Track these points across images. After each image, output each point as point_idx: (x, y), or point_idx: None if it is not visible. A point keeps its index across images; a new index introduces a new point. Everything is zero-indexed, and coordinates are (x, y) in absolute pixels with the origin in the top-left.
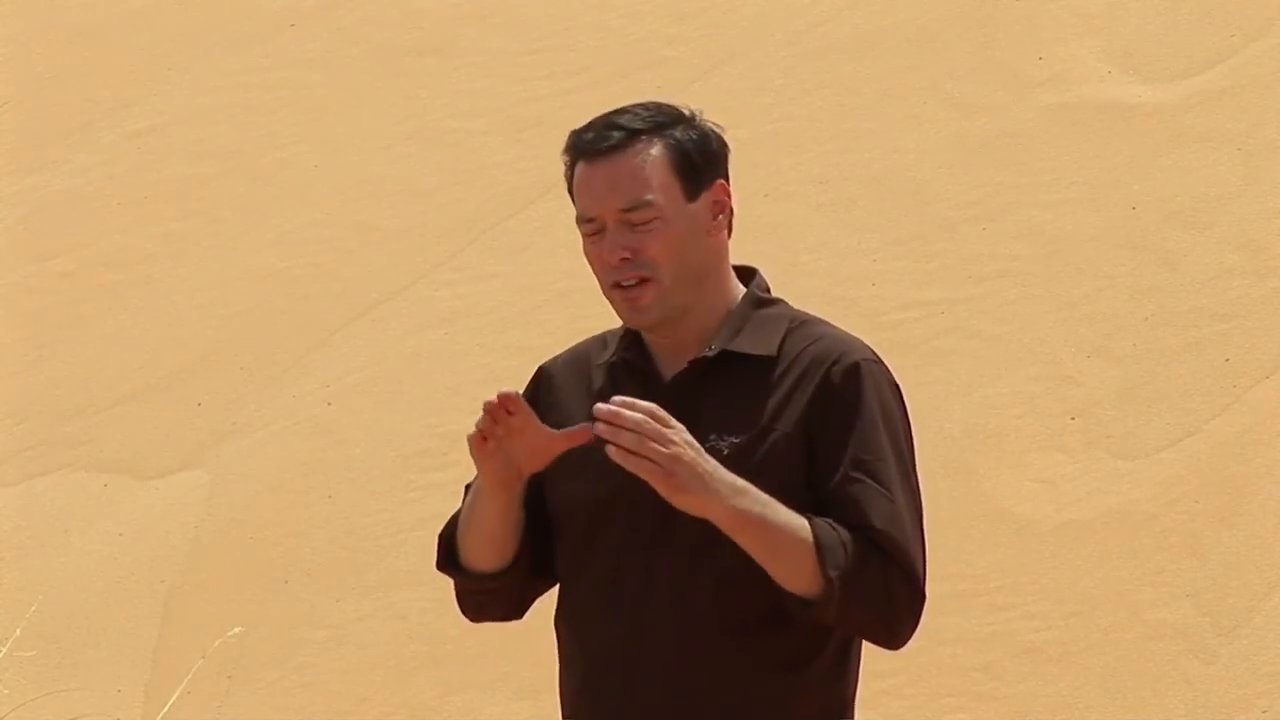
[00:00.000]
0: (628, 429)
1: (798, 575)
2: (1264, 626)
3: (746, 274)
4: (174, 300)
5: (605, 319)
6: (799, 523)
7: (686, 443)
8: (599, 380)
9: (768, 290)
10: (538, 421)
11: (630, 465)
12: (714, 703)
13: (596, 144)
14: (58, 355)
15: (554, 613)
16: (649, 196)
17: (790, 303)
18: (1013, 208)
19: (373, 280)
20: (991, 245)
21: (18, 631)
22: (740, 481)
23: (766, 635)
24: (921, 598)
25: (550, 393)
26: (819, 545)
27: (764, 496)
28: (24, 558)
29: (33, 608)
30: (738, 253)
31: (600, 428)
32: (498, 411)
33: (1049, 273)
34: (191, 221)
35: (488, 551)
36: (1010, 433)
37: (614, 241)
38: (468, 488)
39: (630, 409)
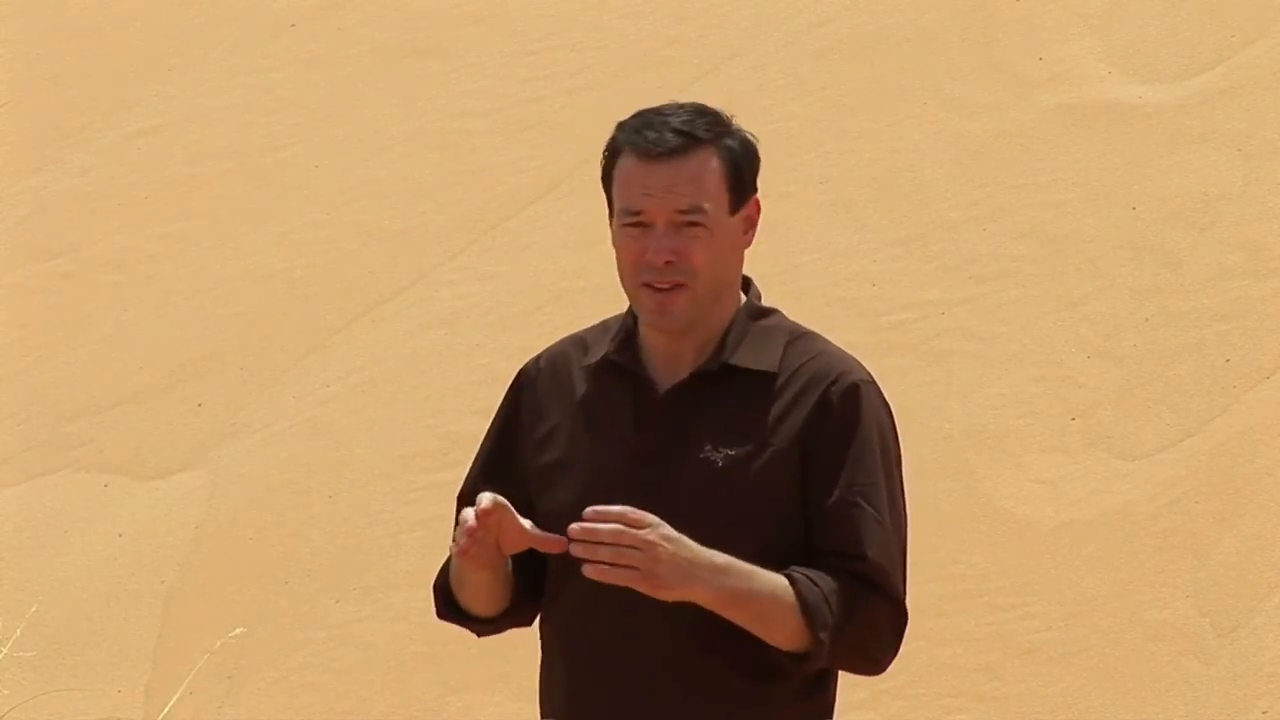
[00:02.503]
0: (605, 543)
1: (786, 637)
2: (1264, 627)
3: (743, 283)
4: (174, 300)
5: (605, 318)
6: (781, 585)
7: (662, 538)
8: (582, 385)
9: (761, 298)
10: (514, 514)
11: (611, 579)
12: (698, 711)
13: (659, 145)
14: (58, 355)
15: (539, 623)
16: (706, 205)
17: (790, 303)
18: (1013, 208)
19: (373, 280)
20: (991, 245)
21: (18, 631)
22: (720, 558)
23: (750, 645)
24: (904, 621)
25: (533, 398)
26: (805, 607)
27: (745, 567)
28: (24, 558)
29: (33, 608)
30: None
31: (576, 549)
32: (477, 531)
33: (1049, 273)
34: (191, 221)
35: (484, 605)
36: (1010, 433)
37: (661, 243)
38: (461, 497)
39: (602, 519)
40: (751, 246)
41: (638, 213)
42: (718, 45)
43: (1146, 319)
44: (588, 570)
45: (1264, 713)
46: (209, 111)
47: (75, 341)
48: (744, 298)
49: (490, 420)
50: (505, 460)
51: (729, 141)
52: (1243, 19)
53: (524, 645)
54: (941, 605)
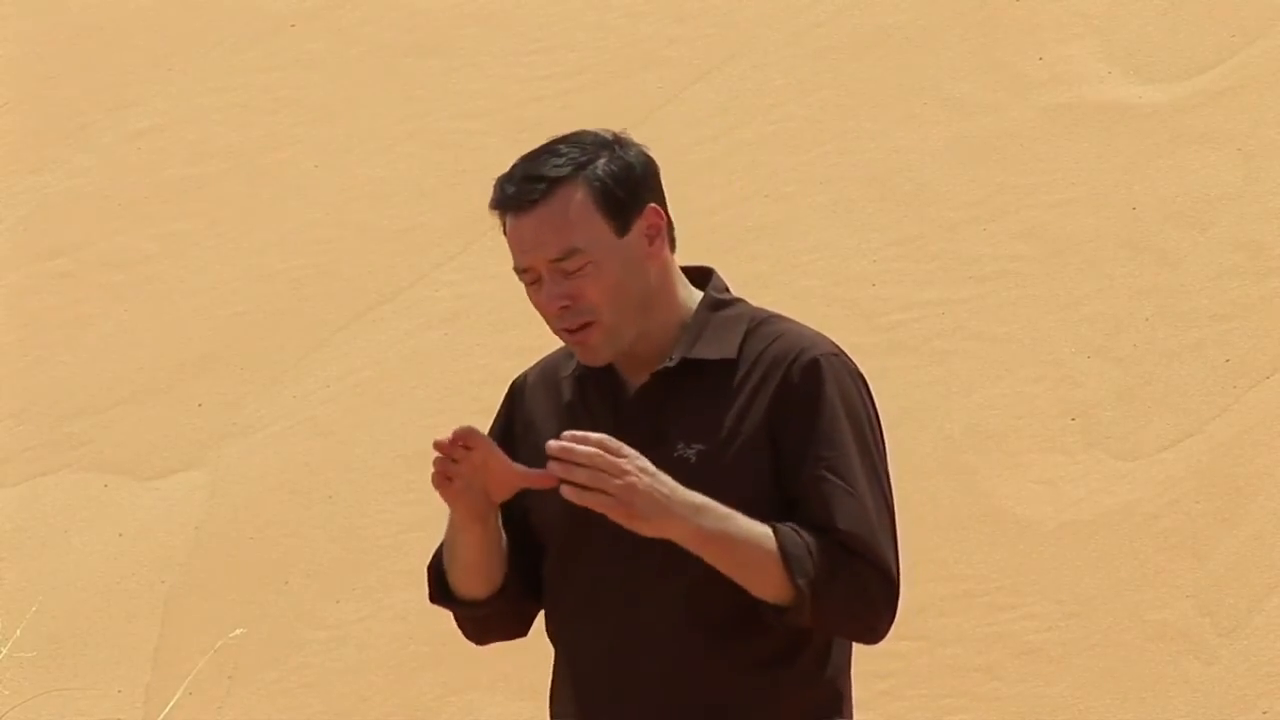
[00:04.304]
0: (581, 464)
1: (767, 585)
2: (1264, 627)
3: (703, 274)
4: (174, 300)
5: None
6: (762, 532)
7: (640, 469)
8: (568, 393)
9: (726, 290)
10: (499, 453)
11: (586, 502)
12: (702, 703)
13: (516, 199)
14: (58, 355)
15: (545, 626)
16: (577, 244)
17: (790, 303)
18: (1013, 208)
19: (373, 280)
20: (991, 245)
21: (18, 631)
22: (699, 498)
23: (749, 635)
24: (895, 589)
25: (524, 409)
26: (785, 554)
27: (724, 510)
28: (24, 558)
29: (33, 608)
30: (738, 253)
31: (554, 466)
32: (454, 450)
33: (1049, 273)
34: (191, 221)
35: (476, 581)
36: (1010, 433)
37: (550, 291)
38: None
39: (581, 443)
40: (752, 246)
41: (524, 269)
42: (718, 45)
43: (1146, 319)
44: (565, 491)
45: (1264, 713)
46: (209, 111)
47: (75, 341)
48: (699, 293)
49: (486, 431)
50: None
51: (593, 169)
52: (1243, 19)
53: (524, 645)
54: (941, 605)
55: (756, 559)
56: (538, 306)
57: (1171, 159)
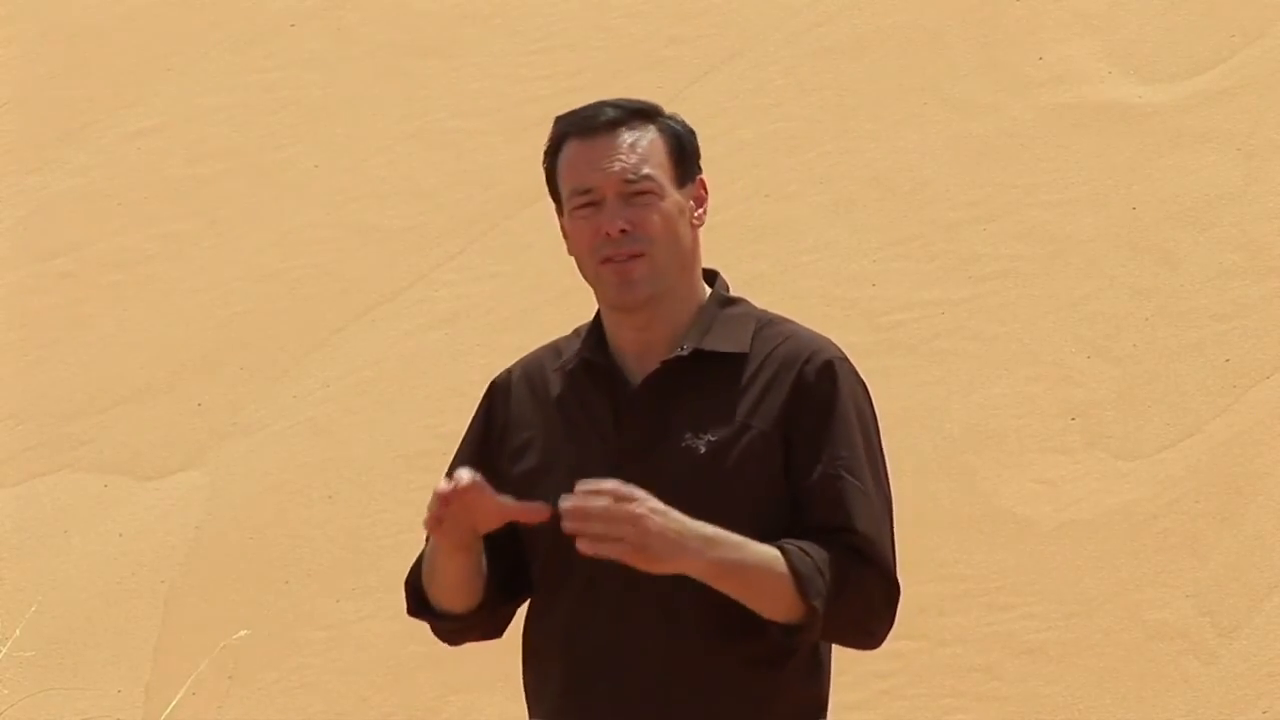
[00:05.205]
0: (596, 518)
1: (779, 607)
2: (1264, 626)
3: (708, 276)
4: (174, 300)
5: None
6: (773, 556)
7: (651, 510)
8: (558, 386)
9: (728, 289)
10: (492, 493)
11: (603, 552)
12: (697, 703)
13: (595, 119)
14: (58, 355)
15: (526, 611)
16: (649, 170)
17: (790, 303)
18: (1013, 208)
19: (373, 280)
20: (991, 245)
21: (18, 631)
22: (710, 530)
23: (746, 636)
24: (897, 594)
25: (506, 407)
26: (797, 576)
27: (735, 538)
28: (24, 558)
29: (33, 608)
30: (738, 253)
31: (568, 525)
32: (451, 497)
33: (1049, 273)
34: (191, 221)
35: (456, 598)
36: (1010, 433)
37: (614, 212)
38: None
39: (595, 494)
40: (752, 246)
41: (588, 190)
42: (718, 45)
43: (1146, 319)
44: (581, 545)
45: (1264, 712)
46: (209, 111)
47: (75, 341)
48: (708, 290)
49: (462, 436)
50: (482, 472)
51: (667, 120)
52: (1243, 19)
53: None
54: (941, 605)
55: (769, 584)
56: (585, 236)
57: (1171, 159)
